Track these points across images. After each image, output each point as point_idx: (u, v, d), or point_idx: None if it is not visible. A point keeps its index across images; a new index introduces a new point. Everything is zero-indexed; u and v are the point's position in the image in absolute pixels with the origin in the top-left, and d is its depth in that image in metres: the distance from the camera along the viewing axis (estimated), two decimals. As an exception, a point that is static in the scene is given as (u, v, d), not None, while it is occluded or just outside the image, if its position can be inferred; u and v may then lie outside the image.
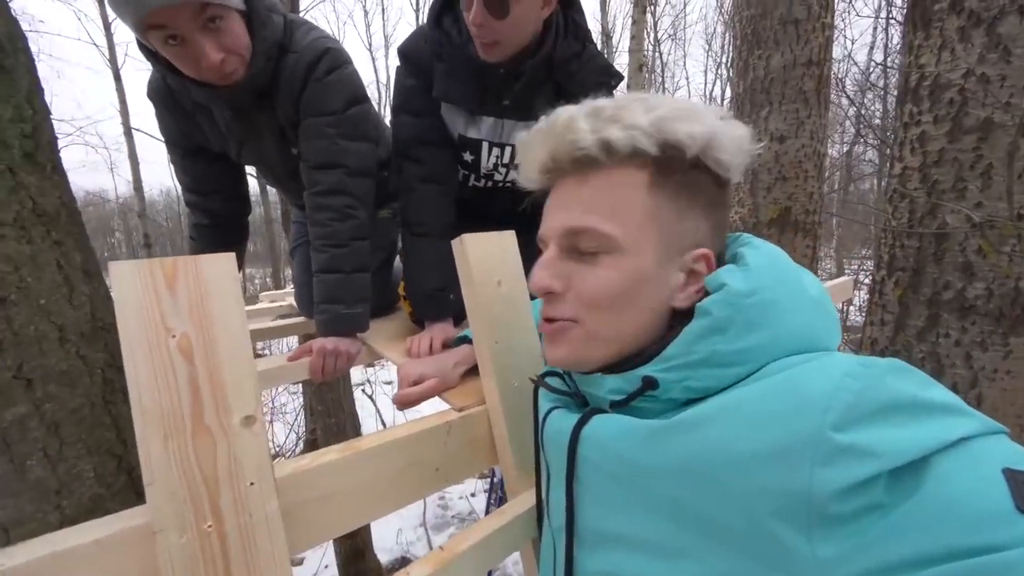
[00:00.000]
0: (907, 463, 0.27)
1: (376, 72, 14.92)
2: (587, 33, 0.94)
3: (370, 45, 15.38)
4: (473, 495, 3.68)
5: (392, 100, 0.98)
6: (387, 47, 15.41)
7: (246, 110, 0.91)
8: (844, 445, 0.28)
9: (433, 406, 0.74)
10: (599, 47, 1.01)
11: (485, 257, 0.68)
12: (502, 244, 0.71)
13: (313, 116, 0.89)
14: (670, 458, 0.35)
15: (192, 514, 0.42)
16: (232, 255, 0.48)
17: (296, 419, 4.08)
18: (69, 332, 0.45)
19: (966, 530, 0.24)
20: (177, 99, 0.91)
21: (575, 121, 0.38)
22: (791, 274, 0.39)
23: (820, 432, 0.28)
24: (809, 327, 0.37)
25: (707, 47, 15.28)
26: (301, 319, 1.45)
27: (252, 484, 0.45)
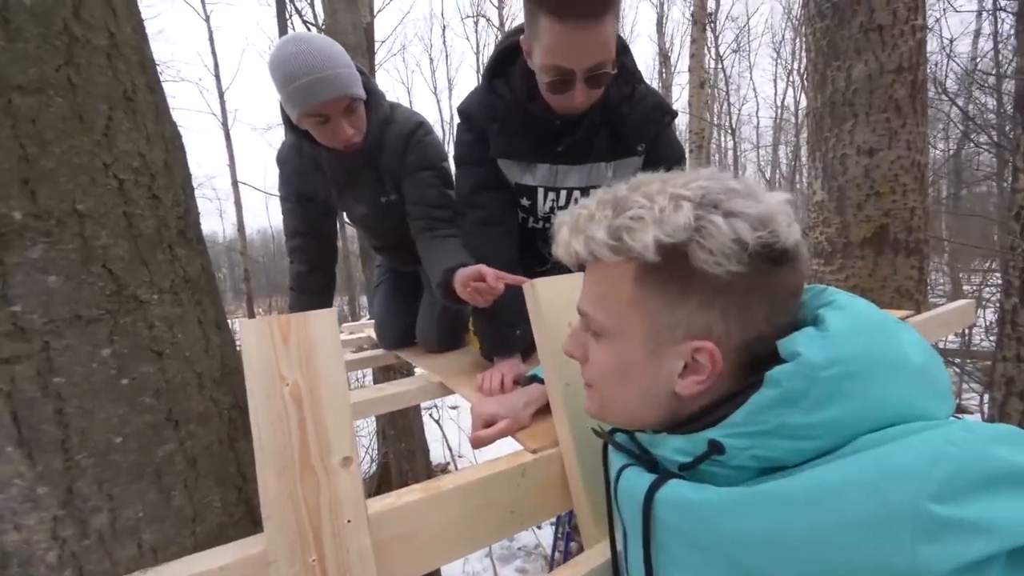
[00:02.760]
0: None
1: (440, 112, 16.00)
2: (637, 75, 0.95)
3: (435, 88, 16.55)
4: (539, 527, 3.59)
5: (454, 154, 1.07)
6: (450, 89, 16.50)
7: (353, 166, 1.14)
8: (949, 519, 0.25)
9: (508, 444, 0.75)
10: (657, 67, 1.03)
11: (555, 300, 0.70)
12: (572, 287, 0.72)
13: (421, 170, 1.13)
14: (755, 529, 0.33)
15: (300, 547, 0.47)
16: (333, 311, 0.54)
17: (370, 443, 4.29)
18: (205, 379, 0.54)
19: None
20: (301, 160, 1.19)
21: (560, 231, 0.44)
22: (883, 339, 0.36)
23: (918, 503, 0.26)
24: (904, 398, 0.34)
25: (775, 55, 14.51)
26: (379, 352, 1.56)
27: (349, 521, 0.49)
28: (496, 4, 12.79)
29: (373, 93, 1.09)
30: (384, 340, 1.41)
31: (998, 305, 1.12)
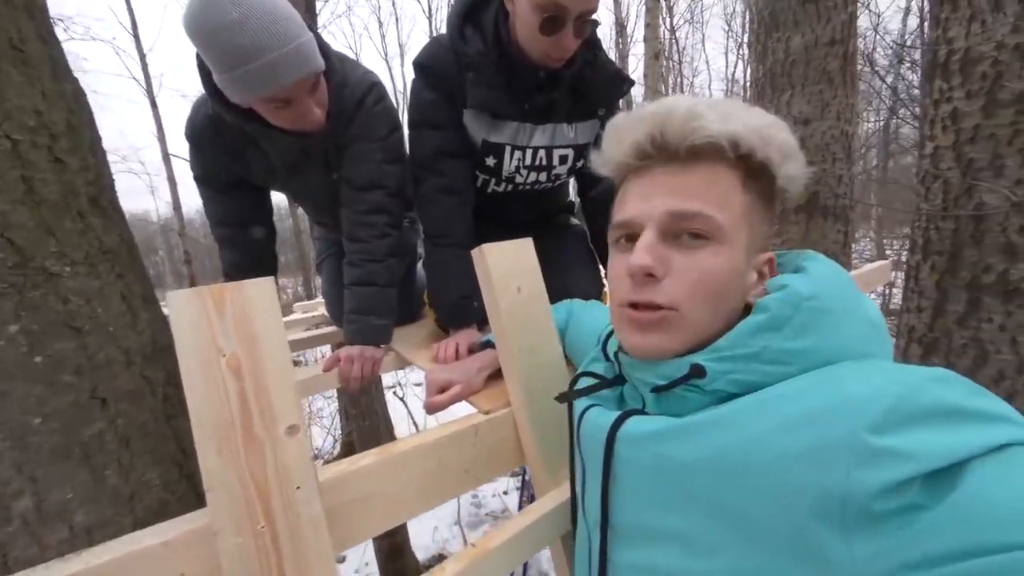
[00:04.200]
0: (945, 466, 0.27)
1: (392, 80, 15.22)
2: (599, 42, 0.96)
3: (386, 54, 15.67)
4: (506, 493, 3.72)
5: (409, 113, 0.99)
6: (402, 55, 15.68)
7: (309, 144, 0.96)
8: (881, 448, 0.28)
9: (463, 408, 0.77)
10: (614, 37, 1.04)
11: (504, 265, 0.71)
12: (520, 251, 0.73)
13: (363, 141, 0.96)
14: (706, 452, 0.36)
15: (247, 516, 0.47)
16: (271, 279, 0.52)
17: (332, 423, 4.23)
18: (134, 355, 0.51)
19: (999, 529, 0.25)
20: (226, 138, 0.96)
21: (698, 108, 0.39)
22: (852, 291, 0.40)
23: (856, 434, 0.29)
24: (863, 343, 0.38)
25: (727, 28, 14.77)
26: (334, 328, 1.52)
27: (298, 488, 0.49)
28: (447, -35, 12.13)
29: (327, 53, 0.88)
30: (336, 316, 1.38)
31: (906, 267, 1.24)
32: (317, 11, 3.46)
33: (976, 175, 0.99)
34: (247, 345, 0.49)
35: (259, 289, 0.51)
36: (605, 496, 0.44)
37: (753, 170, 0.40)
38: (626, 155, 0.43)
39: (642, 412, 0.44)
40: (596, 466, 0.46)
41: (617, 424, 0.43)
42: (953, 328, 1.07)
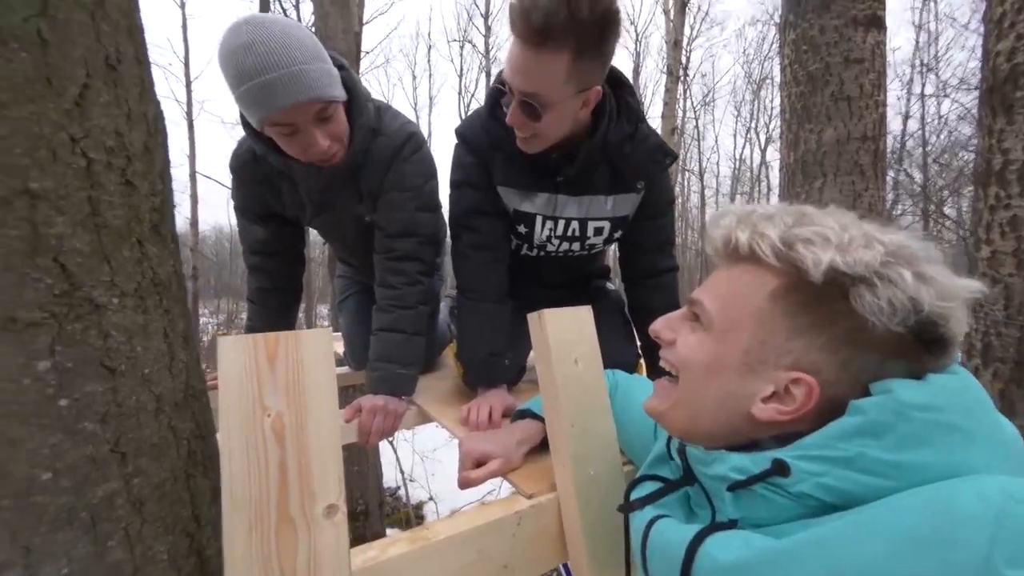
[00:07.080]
0: None
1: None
2: (639, 114, 0.94)
3: (415, 104, 16.56)
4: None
5: (451, 174, 1.02)
6: (430, 106, 16.56)
7: (334, 183, 0.98)
8: None
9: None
10: None
11: (563, 333, 0.66)
12: (579, 320, 0.68)
13: (397, 191, 0.98)
14: None
15: (265, 617, 0.39)
16: (328, 330, 0.47)
17: (317, 463, 3.99)
18: (165, 402, 0.45)
19: None
20: (264, 170, 1.00)
21: (726, 218, 0.42)
22: (985, 408, 0.35)
23: (989, 565, 0.25)
24: (993, 468, 0.32)
25: (736, 113, 15.67)
26: (344, 370, 1.45)
27: (328, 583, 0.42)
28: (483, 32, 13.13)
29: (356, 94, 0.91)
30: (357, 358, 1.31)
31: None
32: (360, 58, 3.67)
33: (1040, 284, 0.95)
34: (295, 405, 0.43)
35: (315, 341, 0.46)
36: None
37: (791, 280, 0.38)
38: (713, 255, 0.46)
39: (716, 523, 0.39)
40: None
41: (696, 542, 0.37)
42: (1019, 443, 0.99)
